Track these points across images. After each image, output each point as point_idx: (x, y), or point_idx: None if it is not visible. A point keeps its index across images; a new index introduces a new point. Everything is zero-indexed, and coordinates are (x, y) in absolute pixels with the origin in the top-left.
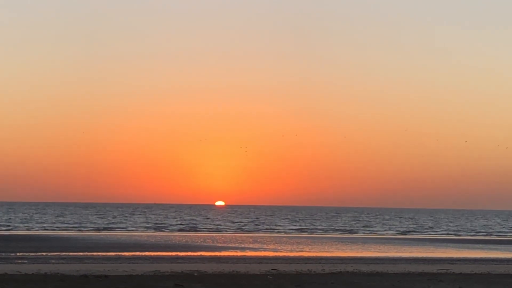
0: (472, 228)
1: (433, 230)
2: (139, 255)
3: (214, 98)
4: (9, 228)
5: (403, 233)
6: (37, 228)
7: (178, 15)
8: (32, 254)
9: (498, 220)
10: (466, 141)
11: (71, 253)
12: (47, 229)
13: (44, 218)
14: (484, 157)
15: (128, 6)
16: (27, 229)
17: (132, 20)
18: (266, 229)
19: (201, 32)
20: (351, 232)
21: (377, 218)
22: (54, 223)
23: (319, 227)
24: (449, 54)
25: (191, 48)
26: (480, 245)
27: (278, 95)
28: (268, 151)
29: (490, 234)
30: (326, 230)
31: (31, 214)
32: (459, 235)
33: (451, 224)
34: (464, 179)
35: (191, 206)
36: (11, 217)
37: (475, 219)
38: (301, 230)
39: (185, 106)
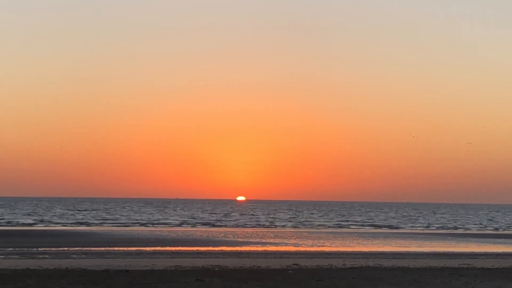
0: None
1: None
2: (160, 250)
3: (234, 94)
4: (44, 223)
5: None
6: (68, 224)
7: (188, 12)
8: (54, 249)
9: None
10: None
11: (92, 248)
12: (89, 224)
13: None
14: None
15: (139, 4)
16: (62, 225)
17: (145, 18)
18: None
19: (220, 29)
20: (391, 227)
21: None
22: (112, 219)
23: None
24: (473, 50)
25: (209, 45)
26: (503, 240)
27: (298, 90)
28: (288, 146)
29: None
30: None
31: (69, 209)
32: (483, 230)
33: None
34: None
35: (213, 202)
36: (44, 212)
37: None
38: (339, 226)
39: (206, 103)
